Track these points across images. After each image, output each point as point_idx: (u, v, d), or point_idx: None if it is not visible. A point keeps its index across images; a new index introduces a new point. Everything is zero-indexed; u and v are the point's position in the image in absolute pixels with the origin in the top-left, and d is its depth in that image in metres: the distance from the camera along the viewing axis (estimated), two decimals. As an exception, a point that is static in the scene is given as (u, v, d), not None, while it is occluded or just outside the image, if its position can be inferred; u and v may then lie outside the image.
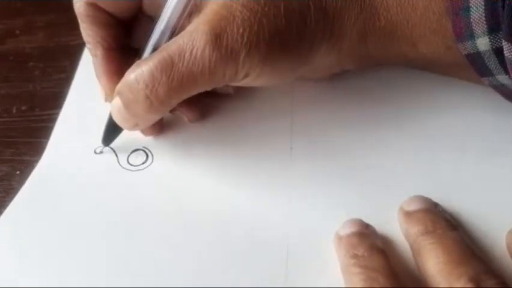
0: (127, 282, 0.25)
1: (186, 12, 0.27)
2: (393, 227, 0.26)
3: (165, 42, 0.27)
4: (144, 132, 0.32)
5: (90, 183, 0.30)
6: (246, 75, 0.27)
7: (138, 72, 0.27)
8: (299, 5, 0.27)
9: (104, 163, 0.31)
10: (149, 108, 0.27)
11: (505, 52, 0.25)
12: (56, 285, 0.26)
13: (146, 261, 0.26)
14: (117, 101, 0.28)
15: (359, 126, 0.32)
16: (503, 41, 0.25)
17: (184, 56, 0.26)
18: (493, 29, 0.25)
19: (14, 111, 0.36)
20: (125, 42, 0.31)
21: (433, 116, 0.32)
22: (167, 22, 0.28)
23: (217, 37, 0.26)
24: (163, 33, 0.28)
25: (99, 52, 0.30)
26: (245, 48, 0.26)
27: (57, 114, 0.35)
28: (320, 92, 0.34)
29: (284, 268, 0.26)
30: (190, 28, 0.26)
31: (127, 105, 0.28)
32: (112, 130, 0.31)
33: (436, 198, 0.27)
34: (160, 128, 0.32)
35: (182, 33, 0.26)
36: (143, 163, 0.31)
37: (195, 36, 0.26)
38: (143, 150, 0.32)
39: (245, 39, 0.26)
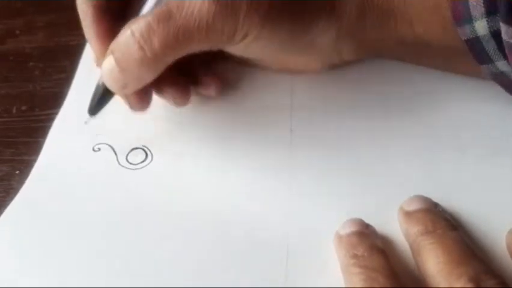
0: (127, 281, 0.25)
1: None
2: (393, 227, 0.26)
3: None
4: (132, 106, 0.30)
5: (89, 182, 0.30)
6: (244, 36, 0.27)
7: (135, 25, 0.26)
8: None
9: (104, 162, 0.31)
10: (142, 61, 0.26)
11: (502, 35, 0.25)
12: (56, 285, 0.26)
13: (146, 260, 0.26)
14: (109, 59, 0.27)
15: (359, 126, 0.32)
16: (501, 23, 0.25)
17: (182, 8, 0.26)
18: (490, 11, 0.25)
19: (14, 111, 0.36)
20: (116, 8, 0.30)
21: (433, 115, 0.32)
22: None
23: None
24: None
25: (90, 11, 0.29)
26: (246, 4, 0.26)
27: (57, 114, 0.35)
28: (320, 91, 0.34)
29: (284, 268, 0.25)
30: None
31: (119, 60, 0.27)
32: (99, 98, 0.30)
33: (436, 198, 0.27)
34: (148, 102, 0.31)
35: None
36: (142, 162, 0.31)
37: None
38: (143, 149, 0.32)
39: None
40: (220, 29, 0.26)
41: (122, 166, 0.31)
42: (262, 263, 0.26)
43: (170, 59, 0.27)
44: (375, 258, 0.24)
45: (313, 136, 0.31)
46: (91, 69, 0.31)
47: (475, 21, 0.26)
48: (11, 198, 0.30)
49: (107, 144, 0.32)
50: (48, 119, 0.34)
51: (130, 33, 0.26)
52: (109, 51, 0.28)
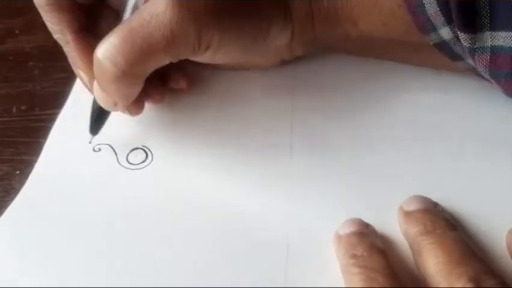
0: (127, 281, 0.25)
1: None
2: (393, 227, 0.26)
3: None
4: (131, 113, 0.31)
5: (90, 182, 0.30)
6: (208, 45, 0.28)
7: (101, 46, 0.27)
8: None
9: (104, 162, 0.31)
10: (116, 81, 0.27)
11: (462, 41, 0.26)
12: (56, 285, 0.26)
13: (146, 260, 0.26)
14: (95, 82, 0.28)
15: (359, 126, 0.32)
16: (458, 31, 0.26)
17: (144, 22, 0.26)
18: (450, 20, 0.26)
19: (14, 111, 0.36)
20: (92, 28, 0.31)
21: (433, 115, 0.32)
22: (134, 4, 0.28)
23: (178, 1, 0.26)
24: (133, 11, 0.28)
25: (69, 38, 0.30)
26: (206, 11, 0.26)
27: (57, 114, 0.35)
28: (320, 93, 0.34)
29: (284, 268, 0.25)
30: None
31: (98, 82, 0.28)
32: (97, 117, 0.31)
33: (436, 198, 0.27)
34: (143, 105, 0.32)
35: (145, 4, 0.27)
36: (142, 162, 0.31)
37: (156, 3, 0.26)
38: (143, 149, 0.32)
39: (207, 4, 0.26)
40: (184, 38, 0.27)
41: (123, 166, 0.31)
42: (262, 263, 0.26)
43: (143, 72, 0.28)
44: (375, 258, 0.24)
45: (314, 137, 0.31)
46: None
47: (439, 29, 0.27)
48: (11, 198, 0.30)
49: (107, 144, 0.32)
50: (48, 119, 0.34)
51: (98, 56, 0.27)
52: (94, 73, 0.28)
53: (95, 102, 0.30)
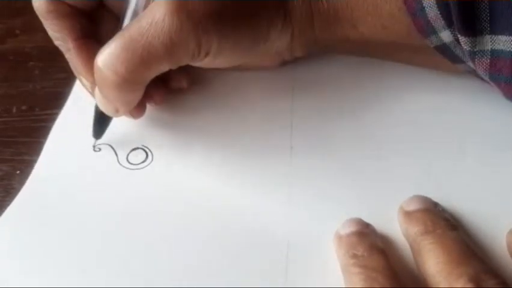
0: (127, 281, 0.25)
1: None
2: (393, 227, 0.26)
3: None
4: (133, 117, 0.32)
5: (90, 182, 0.30)
6: (207, 52, 0.28)
7: (101, 55, 0.27)
8: None
9: (104, 162, 0.31)
10: (117, 88, 0.27)
11: (462, 45, 0.26)
12: (56, 285, 0.26)
13: (146, 260, 0.26)
14: (97, 89, 0.29)
15: (359, 126, 0.32)
16: (458, 35, 0.26)
17: (143, 30, 0.26)
18: (450, 23, 0.26)
19: (14, 110, 0.36)
20: (93, 34, 0.31)
21: (433, 115, 0.32)
22: (135, 9, 0.28)
23: (176, 6, 0.26)
24: (133, 17, 0.28)
25: (70, 45, 0.30)
26: (205, 18, 0.26)
27: (57, 114, 0.35)
28: (320, 93, 0.34)
29: (284, 268, 0.26)
30: (150, 5, 0.27)
31: (100, 89, 0.28)
32: (100, 122, 0.31)
33: (436, 198, 0.27)
34: (145, 107, 0.32)
35: (144, 11, 0.27)
36: (143, 162, 0.31)
37: (154, 10, 0.26)
38: (143, 149, 0.32)
39: (205, 9, 0.26)
40: (184, 45, 0.27)
41: (123, 166, 0.31)
42: (262, 263, 0.26)
43: (144, 79, 0.28)
44: (375, 258, 0.24)
45: (314, 137, 0.31)
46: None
47: (439, 32, 0.27)
48: (11, 198, 0.30)
49: (107, 144, 0.32)
50: (49, 119, 0.34)
51: (98, 65, 0.27)
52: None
53: (97, 107, 0.30)
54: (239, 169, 0.30)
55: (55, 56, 0.32)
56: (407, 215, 0.26)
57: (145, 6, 0.28)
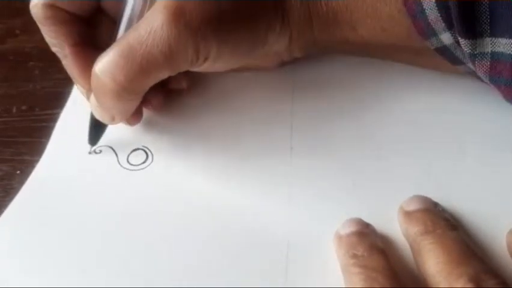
0: (127, 282, 0.26)
1: (148, 2, 0.28)
2: (393, 227, 0.26)
3: None
4: (129, 124, 0.32)
5: (90, 182, 0.30)
6: (206, 57, 0.28)
7: (100, 63, 0.27)
8: None
9: (104, 163, 0.31)
10: (114, 97, 0.27)
11: (462, 47, 0.26)
12: (56, 285, 0.26)
13: (146, 261, 0.26)
14: (92, 96, 0.29)
15: (359, 126, 0.32)
16: (459, 37, 0.26)
17: (142, 39, 0.26)
18: (451, 25, 0.26)
19: (14, 111, 0.36)
20: (91, 40, 0.31)
21: (433, 115, 0.32)
22: (131, 13, 0.28)
23: (174, 15, 0.26)
24: (128, 24, 0.28)
25: (67, 51, 0.30)
26: (203, 25, 0.26)
27: (57, 114, 0.35)
28: (320, 93, 0.34)
29: (284, 268, 0.26)
30: (148, 13, 0.27)
31: (97, 97, 0.28)
32: (95, 129, 0.31)
33: (436, 198, 0.27)
34: (141, 114, 0.32)
35: (142, 18, 0.27)
36: (143, 163, 0.31)
37: (152, 18, 0.26)
38: (143, 150, 0.32)
39: (203, 16, 0.26)
40: (183, 52, 0.27)
41: (123, 167, 0.31)
42: (262, 263, 0.26)
43: (142, 88, 0.28)
44: (375, 258, 0.24)
45: (314, 137, 0.31)
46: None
47: (440, 34, 0.27)
48: (11, 198, 0.30)
49: (108, 145, 0.32)
50: (49, 119, 0.34)
51: (96, 72, 0.27)
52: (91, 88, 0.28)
53: (92, 114, 0.30)
54: (239, 169, 0.30)
55: (55, 56, 0.32)
56: (407, 215, 0.26)
57: (141, 12, 0.28)
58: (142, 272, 0.26)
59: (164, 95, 0.33)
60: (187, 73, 0.33)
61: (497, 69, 0.26)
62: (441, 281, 0.22)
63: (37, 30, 0.31)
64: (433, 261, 0.23)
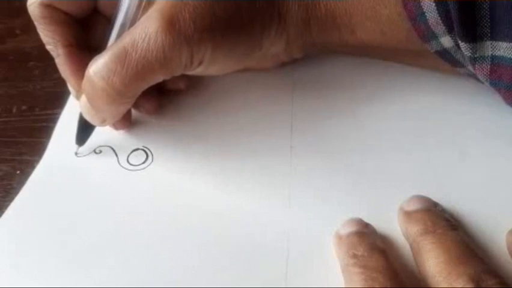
0: (127, 282, 0.25)
1: (143, 5, 0.28)
2: (393, 227, 0.26)
3: None
4: (117, 128, 0.32)
5: (90, 183, 0.30)
6: (201, 61, 0.28)
7: (94, 66, 0.27)
8: None
9: (104, 163, 0.31)
10: (108, 100, 0.27)
11: (462, 50, 0.26)
12: (55, 285, 0.26)
13: (146, 261, 0.26)
14: (83, 98, 0.29)
15: (359, 126, 0.32)
16: (459, 40, 0.26)
17: (137, 44, 0.26)
18: (451, 29, 0.26)
19: (14, 110, 0.36)
20: (85, 41, 0.32)
21: (433, 115, 0.32)
22: (125, 16, 0.28)
23: (169, 22, 0.26)
24: (121, 27, 0.28)
25: (61, 51, 0.31)
26: (198, 32, 0.26)
27: (57, 114, 0.35)
28: (320, 93, 0.34)
29: (284, 268, 0.25)
30: (142, 18, 0.27)
31: (89, 100, 0.28)
32: (83, 129, 0.31)
33: (436, 198, 0.27)
34: (130, 120, 0.32)
35: (136, 23, 0.27)
36: (143, 163, 0.31)
37: (147, 24, 0.26)
38: (143, 150, 0.32)
39: (197, 23, 0.26)
40: (178, 58, 0.27)
41: (123, 167, 0.31)
42: (262, 263, 0.26)
43: (136, 92, 0.28)
44: (375, 258, 0.24)
45: (314, 137, 0.31)
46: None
47: (440, 37, 0.27)
48: (11, 198, 0.30)
49: (108, 145, 0.32)
50: (49, 119, 0.34)
51: (91, 75, 0.27)
52: (82, 89, 0.29)
53: (81, 115, 0.30)
54: (239, 169, 0.30)
55: (55, 56, 0.32)
56: (407, 215, 0.26)
57: (134, 17, 0.28)
58: (142, 272, 0.26)
59: (158, 99, 0.33)
60: (185, 74, 0.33)
61: (498, 72, 0.26)
62: (442, 281, 0.22)
63: (37, 30, 0.31)
64: (433, 261, 0.23)
